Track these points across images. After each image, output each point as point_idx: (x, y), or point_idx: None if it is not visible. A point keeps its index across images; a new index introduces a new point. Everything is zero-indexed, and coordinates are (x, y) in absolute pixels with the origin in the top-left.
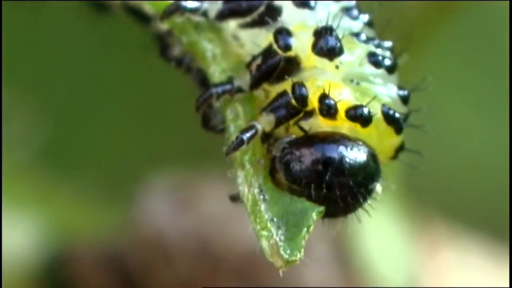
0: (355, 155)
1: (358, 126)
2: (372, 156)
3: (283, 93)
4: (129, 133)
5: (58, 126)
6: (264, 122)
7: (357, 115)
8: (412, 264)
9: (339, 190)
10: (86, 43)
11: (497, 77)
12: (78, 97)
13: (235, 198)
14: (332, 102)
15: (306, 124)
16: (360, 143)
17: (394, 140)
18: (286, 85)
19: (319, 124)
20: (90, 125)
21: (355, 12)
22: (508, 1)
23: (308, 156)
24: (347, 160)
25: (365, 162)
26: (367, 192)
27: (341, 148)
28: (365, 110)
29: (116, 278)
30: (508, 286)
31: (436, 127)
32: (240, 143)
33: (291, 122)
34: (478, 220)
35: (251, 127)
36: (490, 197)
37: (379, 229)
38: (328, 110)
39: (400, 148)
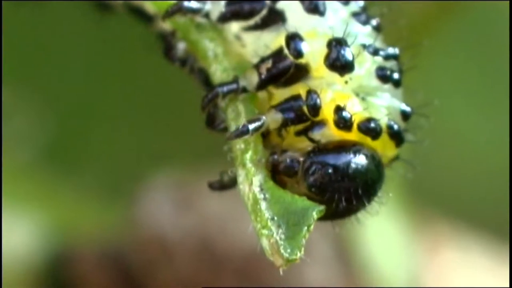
0: (376, 163)
1: (368, 139)
2: (381, 162)
3: (297, 97)
4: (130, 132)
5: (59, 126)
6: (271, 119)
7: (369, 129)
8: (414, 263)
9: (363, 197)
10: (88, 42)
11: (497, 77)
12: (79, 96)
13: (215, 186)
14: (349, 115)
15: (319, 135)
16: (375, 152)
17: (392, 152)
18: (293, 90)
19: (332, 135)
20: (91, 125)
21: (363, 17)
22: (508, 1)
23: (338, 166)
24: (373, 169)
25: (382, 169)
26: (378, 193)
27: (367, 158)
28: (377, 124)
29: (117, 277)
30: (508, 285)
31: (437, 127)
32: (245, 131)
33: (291, 130)
34: (479, 220)
35: (258, 119)
36: (491, 196)
37: (380, 228)
38: (344, 123)
39: (394, 159)
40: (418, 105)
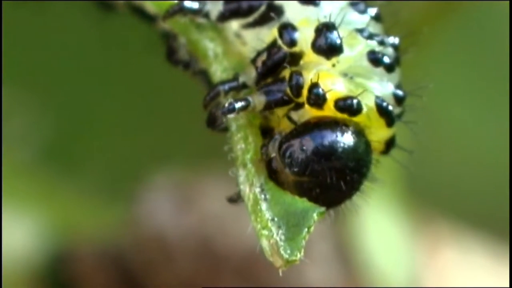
0: (354, 136)
1: (346, 116)
2: (363, 135)
3: (281, 79)
4: (130, 131)
5: (59, 125)
6: (256, 101)
7: (345, 106)
8: (413, 263)
9: (347, 173)
10: (88, 41)
11: (497, 76)
12: (79, 95)
13: (233, 199)
14: (321, 91)
15: (296, 115)
16: (351, 124)
17: (384, 132)
18: (280, 74)
19: (309, 114)
20: (91, 124)
21: (361, 6)
22: (508, 1)
23: (310, 143)
24: (351, 141)
25: (363, 141)
26: (368, 170)
27: (341, 130)
28: (354, 101)
29: (117, 277)
30: (509, 285)
31: (437, 127)
32: (231, 109)
33: (281, 113)
34: (479, 219)
35: (245, 99)
36: (491, 196)
37: (380, 228)
38: (315, 99)
39: (391, 143)
40: (418, 105)
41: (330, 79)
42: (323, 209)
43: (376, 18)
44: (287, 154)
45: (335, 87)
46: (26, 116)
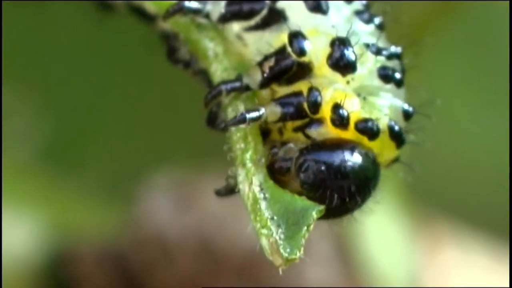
0: (371, 163)
1: (365, 139)
2: (376, 162)
3: (298, 93)
4: (130, 131)
5: (59, 124)
6: (269, 112)
7: (366, 128)
8: (414, 262)
9: (356, 196)
10: (88, 41)
11: (497, 77)
12: (79, 95)
13: (221, 193)
14: (346, 113)
15: (315, 133)
16: (369, 150)
17: (392, 154)
18: (295, 87)
19: (328, 133)
20: (91, 124)
21: (366, 15)
22: (508, 1)
23: (330, 164)
24: (367, 168)
25: (377, 169)
26: (373, 193)
27: (360, 157)
28: (374, 124)
29: (117, 276)
30: (509, 285)
31: (438, 127)
32: (242, 120)
33: (289, 126)
34: (479, 219)
35: (257, 109)
36: (491, 196)
37: (380, 228)
38: (341, 120)
39: (394, 160)
40: (419, 104)
41: (350, 100)
42: (322, 207)
43: (380, 27)
44: (303, 168)
45: (353, 108)
46: (26, 116)
